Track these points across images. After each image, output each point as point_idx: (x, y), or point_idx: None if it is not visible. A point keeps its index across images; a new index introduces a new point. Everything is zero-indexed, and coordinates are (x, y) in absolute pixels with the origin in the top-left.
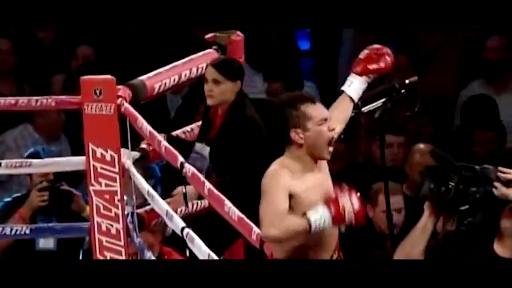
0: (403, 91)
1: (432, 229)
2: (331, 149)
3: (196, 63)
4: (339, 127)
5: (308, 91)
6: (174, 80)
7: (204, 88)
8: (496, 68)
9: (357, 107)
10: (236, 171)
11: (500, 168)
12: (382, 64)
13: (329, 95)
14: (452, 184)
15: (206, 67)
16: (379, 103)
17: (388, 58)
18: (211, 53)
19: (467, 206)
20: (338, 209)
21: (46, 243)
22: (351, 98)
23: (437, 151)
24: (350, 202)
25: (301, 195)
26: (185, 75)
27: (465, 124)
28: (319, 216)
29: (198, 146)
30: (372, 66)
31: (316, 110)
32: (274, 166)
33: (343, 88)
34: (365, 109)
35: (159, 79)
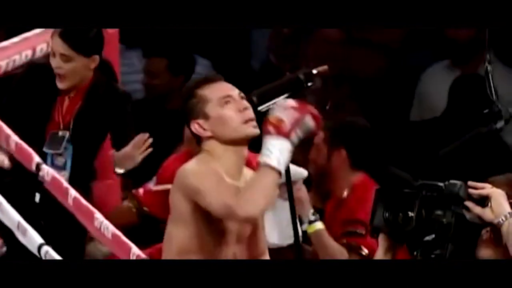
0: (309, 84)
1: None
2: (253, 125)
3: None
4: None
5: (200, 71)
6: (26, 56)
7: (51, 63)
8: (464, 48)
9: (252, 104)
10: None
11: (471, 183)
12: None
13: (228, 74)
14: (413, 210)
15: (52, 36)
16: (280, 99)
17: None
18: None
19: (433, 236)
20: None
21: None
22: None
23: (389, 169)
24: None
25: None
26: (42, 49)
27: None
28: (270, 148)
29: None
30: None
31: (214, 89)
32: (197, 165)
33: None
34: (262, 107)
35: (5, 54)
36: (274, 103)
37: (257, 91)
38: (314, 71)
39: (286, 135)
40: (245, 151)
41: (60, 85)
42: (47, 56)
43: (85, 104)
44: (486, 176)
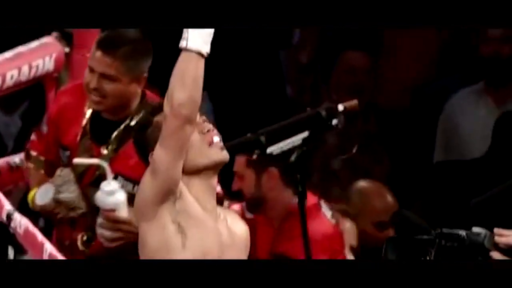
0: (334, 121)
1: None
2: (219, 146)
3: (28, 59)
4: None
5: None
6: None
7: None
8: (504, 67)
9: (259, 144)
10: None
11: (497, 230)
12: None
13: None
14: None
15: None
16: (296, 140)
17: None
18: (49, 44)
19: None
20: None
21: None
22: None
23: (401, 213)
24: None
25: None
26: (12, 76)
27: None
28: (184, 35)
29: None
30: None
31: None
32: None
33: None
34: (273, 149)
35: None
36: (288, 144)
37: (266, 129)
38: (340, 107)
39: None
40: (214, 181)
41: None
42: None
43: None
44: None
